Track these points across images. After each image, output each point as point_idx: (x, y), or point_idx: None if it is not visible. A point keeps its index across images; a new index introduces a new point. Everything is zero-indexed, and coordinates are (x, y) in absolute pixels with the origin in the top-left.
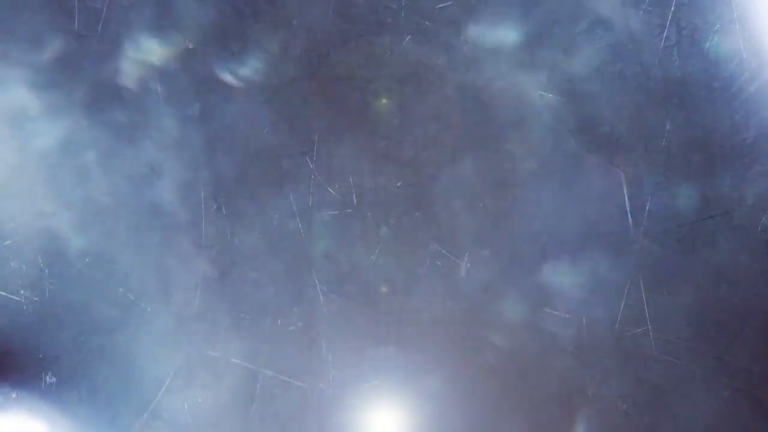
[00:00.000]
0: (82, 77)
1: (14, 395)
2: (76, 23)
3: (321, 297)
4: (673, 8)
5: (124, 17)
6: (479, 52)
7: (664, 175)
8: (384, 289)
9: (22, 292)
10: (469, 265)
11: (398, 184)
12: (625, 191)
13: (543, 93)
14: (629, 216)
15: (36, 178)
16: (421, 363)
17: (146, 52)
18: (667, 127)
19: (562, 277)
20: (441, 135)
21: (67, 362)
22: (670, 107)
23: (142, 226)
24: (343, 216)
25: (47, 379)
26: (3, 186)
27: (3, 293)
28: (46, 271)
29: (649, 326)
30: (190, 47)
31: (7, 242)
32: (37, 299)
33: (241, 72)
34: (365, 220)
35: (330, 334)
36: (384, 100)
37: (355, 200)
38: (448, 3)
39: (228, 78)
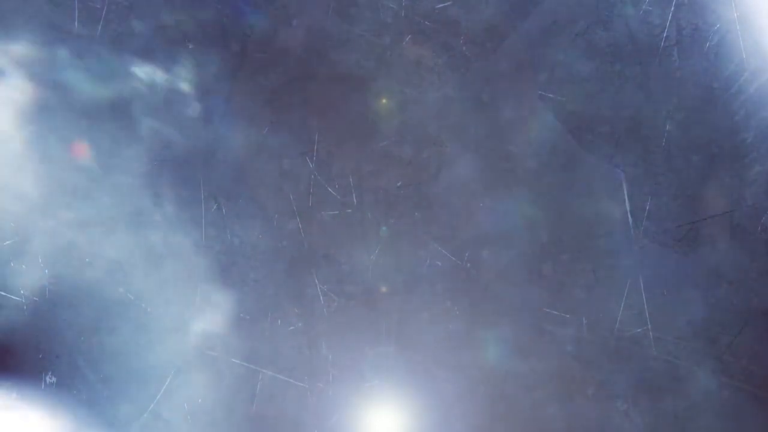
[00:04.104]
0: (82, 77)
1: (14, 395)
2: (76, 23)
3: (321, 297)
4: (673, 8)
5: (124, 17)
6: (479, 52)
7: (664, 175)
8: (384, 289)
9: (22, 292)
10: (469, 265)
11: (398, 184)
12: (625, 191)
13: (543, 93)
14: (629, 216)
15: (36, 179)
16: (421, 363)
17: (146, 52)
18: (667, 127)
19: (562, 277)
20: (441, 135)
21: (67, 362)
22: (670, 107)
23: (142, 226)
24: (343, 216)
25: (47, 379)
26: (3, 186)
27: (3, 293)
28: (46, 271)
29: (649, 326)
30: (190, 47)
31: (7, 242)
32: (37, 299)
33: (240, 72)
34: (365, 220)
35: (330, 334)
36: (384, 100)
37: (355, 200)
38: (448, 3)
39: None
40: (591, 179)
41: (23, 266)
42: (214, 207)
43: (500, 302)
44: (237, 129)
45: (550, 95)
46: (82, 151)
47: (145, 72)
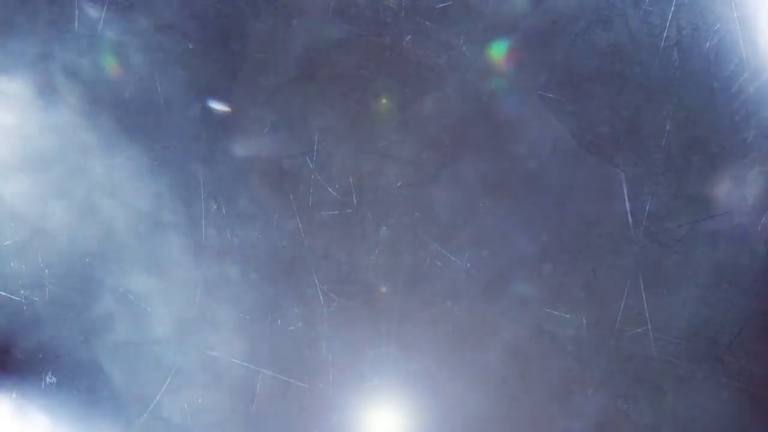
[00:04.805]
0: (82, 77)
1: (14, 395)
2: (76, 23)
3: (321, 297)
4: (673, 8)
5: (124, 17)
6: (479, 52)
7: (664, 175)
8: (384, 289)
9: (22, 292)
10: (469, 265)
11: (398, 184)
12: (625, 191)
13: (543, 93)
14: (629, 216)
15: (36, 179)
16: (421, 363)
17: (146, 52)
18: (667, 127)
19: (562, 277)
20: (441, 135)
21: (67, 362)
22: (670, 107)
23: (142, 226)
24: (343, 216)
25: (47, 379)
26: (3, 186)
27: (3, 293)
28: (46, 271)
29: (649, 326)
30: (190, 47)
31: (7, 242)
32: (37, 299)
33: (240, 72)
34: (365, 220)
35: (330, 334)
36: (384, 100)
37: (355, 200)
38: (448, 3)
39: (227, 77)
40: (591, 179)
41: (23, 266)
42: (214, 207)
43: (500, 302)
44: (237, 129)
45: (550, 95)
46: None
47: (144, 71)
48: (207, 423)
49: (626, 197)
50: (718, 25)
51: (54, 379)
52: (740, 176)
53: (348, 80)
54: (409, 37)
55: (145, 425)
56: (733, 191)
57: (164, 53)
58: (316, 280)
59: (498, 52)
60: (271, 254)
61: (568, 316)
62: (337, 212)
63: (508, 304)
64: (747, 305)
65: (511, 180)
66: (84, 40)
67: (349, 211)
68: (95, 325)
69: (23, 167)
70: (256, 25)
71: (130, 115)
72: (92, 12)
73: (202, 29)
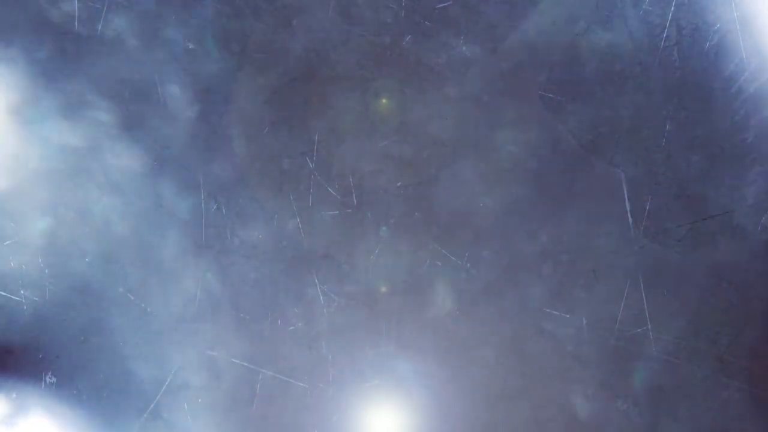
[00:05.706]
0: (82, 77)
1: (14, 395)
2: (76, 23)
3: (321, 297)
4: (673, 8)
5: (124, 17)
6: (479, 52)
7: (664, 175)
8: (384, 289)
9: (22, 292)
10: (469, 265)
11: (398, 184)
12: (625, 191)
13: (543, 93)
14: (629, 216)
15: (36, 178)
16: (421, 363)
17: (146, 52)
18: (667, 127)
19: (562, 277)
20: (441, 135)
21: (67, 362)
22: (670, 107)
23: (142, 226)
24: (343, 216)
25: (47, 379)
26: (3, 186)
27: (3, 293)
28: (46, 271)
29: (649, 326)
30: (190, 47)
31: (7, 242)
32: (37, 299)
33: (240, 72)
34: (365, 220)
35: (330, 334)
36: (384, 100)
37: (355, 200)
38: (448, 3)
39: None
40: (591, 179)
41: (23, 266)
42: (214, 207)
43: (500, 302)
44: (237, 129)
45: (550, 95)
46: None
47: (144, 72)
48: (207, 423)
49: (626, 197)
50: (718, 25)
51: (54, 379)
52: (740, 176)
53: (348, 80)
54: (409, 37)
55: (145, 425)
56: (733, 191)
57: (164, 53)
58: (316, 280)
59: None
60: (271, 254)
61: (568, 316)
62: (337, 212)
63: (508, 304)
64: (747, 305)
65: (511, 180)
66: (84, 40)
67: (349, 211)
68: (95, 325)
69: (23, 167)
70: (256, 25)
71: (130, 115)
72: (92, 12)
73: (202, 29)
